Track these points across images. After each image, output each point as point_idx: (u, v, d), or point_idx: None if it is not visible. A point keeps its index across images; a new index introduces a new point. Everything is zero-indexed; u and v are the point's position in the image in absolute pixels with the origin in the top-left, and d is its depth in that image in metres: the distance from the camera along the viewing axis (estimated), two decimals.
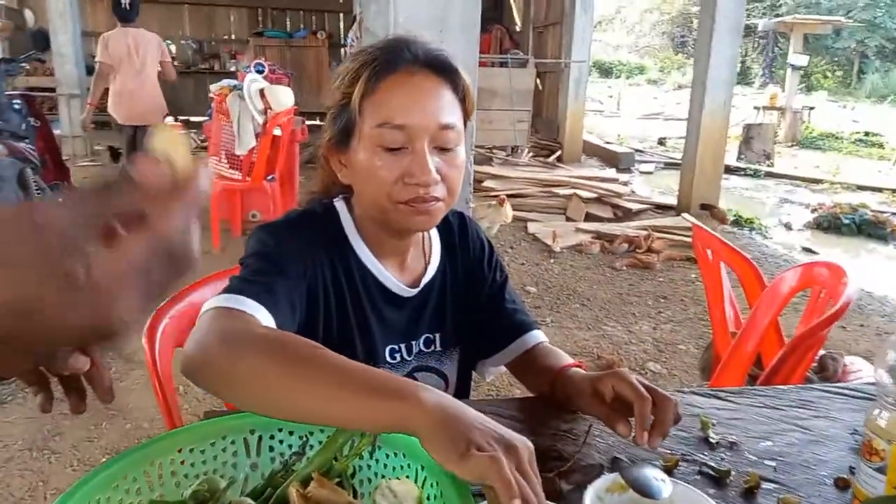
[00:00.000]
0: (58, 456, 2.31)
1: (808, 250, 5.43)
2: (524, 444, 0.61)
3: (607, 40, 30.02)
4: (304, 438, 0.74)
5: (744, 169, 9.01)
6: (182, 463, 0.69)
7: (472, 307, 1.13)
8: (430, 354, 1.09)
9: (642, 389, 0.86)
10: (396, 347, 1.06)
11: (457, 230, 1.14)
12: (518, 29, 10.91)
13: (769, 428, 0.96)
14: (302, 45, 11.06)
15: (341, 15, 11.80)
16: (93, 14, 11.37)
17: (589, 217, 5.75)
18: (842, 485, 0.83)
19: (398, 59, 0.92)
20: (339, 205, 1.05)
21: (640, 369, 3.12)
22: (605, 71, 26.78)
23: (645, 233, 5.04)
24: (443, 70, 0.94)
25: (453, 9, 2.06)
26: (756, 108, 12.14)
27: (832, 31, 14.76)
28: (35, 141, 4.30)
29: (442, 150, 0.93)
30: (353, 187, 1.00)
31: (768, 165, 9.34)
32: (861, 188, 8.04)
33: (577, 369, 1.01)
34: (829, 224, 5.99)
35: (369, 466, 0.74)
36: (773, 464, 0.87)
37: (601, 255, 4.84)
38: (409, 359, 1.07)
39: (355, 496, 0.72)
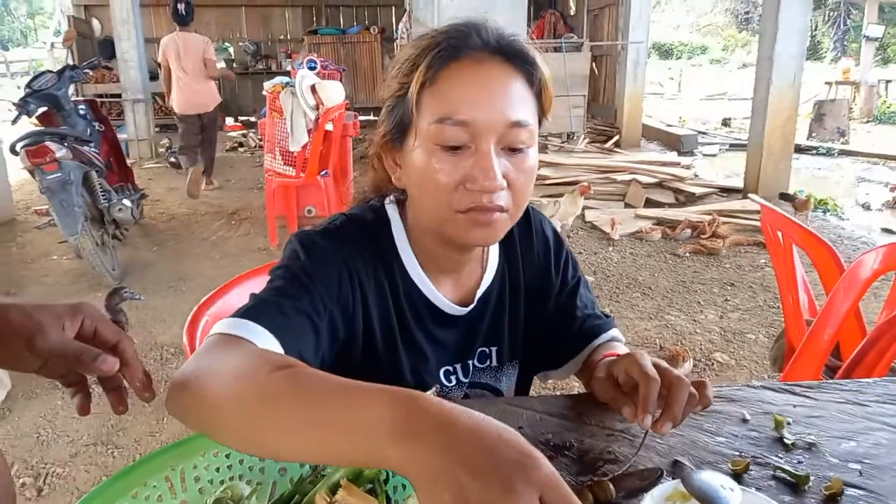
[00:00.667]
0: (121, 450, 2.36)
1: (888, 231, 5.10)
2: (536, 482, 0.45)
3: (666, 21, 29.14)
4: None
5: (816, 148, 8.58)
6: (206, 468, 0.66)
7: (537, 318, 1.02)
8: (485, 370, 1.00)
9: (650, 370, 0.77)
10: (451, 369, 0.97)
11: (517, 227, 0.97)
12: (572, 13, 10.68)
13: (852, 427, 0.86)
14: (355, 41, 11.14)
15: (393, 8, 11.82)
16: (156, 21, 11.74)
17: (649, 203, 5.56)
18: None
19: (464, 44, 0.80)
20: (392, 210, 0.94)
21: (706, 360, 2.98)
22: (665, 52, 26.04)
23: (709, 217, 4.83)
24: (517, 59, 0.81)
25: None
26: (828, 83, 11.54)
27: None
28: (100, 145, 4.44)
29: (511, 151, 0.80)
30: (408, 192, 0.88)
31: (843, 143, 8.86)
32: None
33: (609, 358, 0.92)
34: None
35: None
36: (858, 467, 0.78)
37: (663, 241, 4.67)
38: (465, 380, 0.98)
39: (388, 503, 0.67)
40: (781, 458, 0.80)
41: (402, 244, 0.92)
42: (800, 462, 0.79)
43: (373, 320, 0.90)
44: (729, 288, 3.83)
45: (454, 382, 0.97)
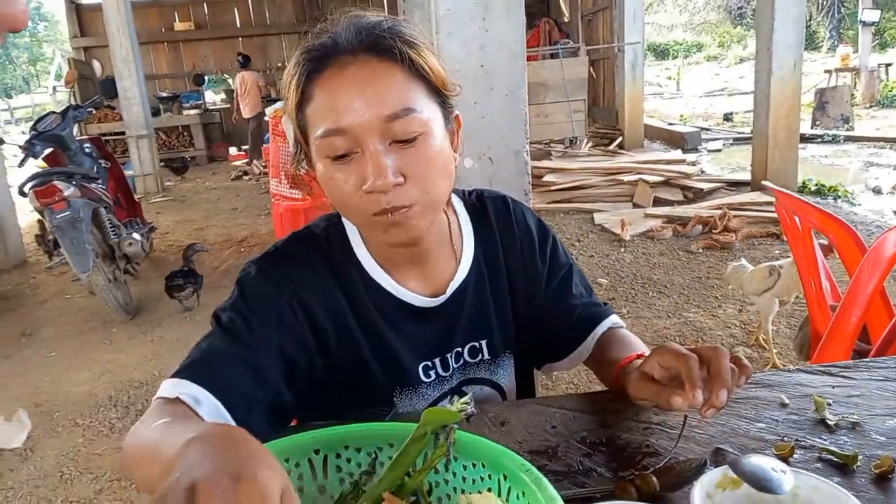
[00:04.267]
0: None
1: None
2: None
3: (660, 21, 29.21)
4: (374, 455, 0.68)
5: (821, 136, 8.53)
6: None
7: (528, 309, 1.00)
8: (479, 364, 0.98)
9: (684, 350, 0.75)
10: (430, 364, 0.95)
11: (495, 216, 0.98)
12: (566, 19, 10.72)
13: (895, 404, 0.84)
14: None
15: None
16: (155, 58, 11.90)
17: (658, 202, 5.54)
18: None
19: (325, 54, 0.80)
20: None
21: None
22: (661, 53, 26.07)
23: (720, 212, 4.80)
24: (382, 49, 0.79)
25: None
26: (827, 71, 11.51)
27: None
28: (107, 181, 4.47)
29: (402, 143, 0.78)
30: (334, 206, 0.87)
31: (847, 129, 8.81)
32: None
33: (638, 360, 0.87)
34: None
35: (447, 481, 0.66)
36: None
37: (674, 239, 4.64)
38: (445, 374, 0.95)
39: None
40: (826, 439, 0.78)
41: (357, 245, 0.92)
42: (845, 442, 0.77)
43: (325, 332, 0.89)
44: None
45: (433, 378, 0.95)
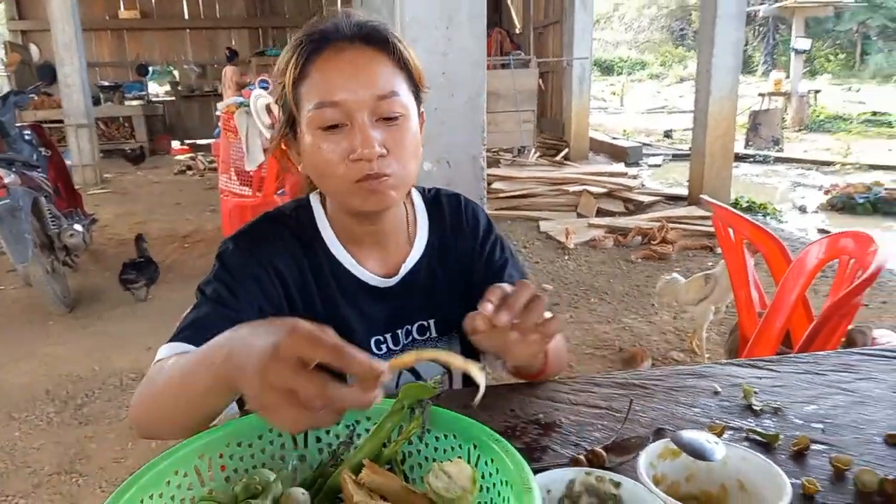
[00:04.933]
0: (86, 478, 2.31)
1: (823, 232, 5.38)
2: (283, 351, 0.56)
3: (606, 38, 29.98)
4: (352, 427, 0.74)
5: (753, 156, 8.97)
6: (231, 458, 0.69)
7: (467, 293, 1.06)
8: (427, 342, 1.06)
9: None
10: (381, 339, 1.03)
11: (448, 209, 1.09)
12: (518, 31, 10.93)
13: (812, 392, 0.95)
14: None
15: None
16: (97, 46, 11.52)
17: (600, 212, 5.73)
18: (892, 442, 0.82)
19: (324, 37, 0.90)
20: (314, 199, 1.03)
21: (663, 359, 3.10)
22: (606, 69, 26.75)
23: (658, 224, 5.02)
24: (376, 41, 0.91)
25: (461, 5, 2.06)
26: (761, 94, 12.08)
27: (833, 13, 14.66)
28: (47, 170, 4.33)
29: (387, 121, 0.89)
30: (311, 176, 0.97)
31: (777, 151, 9.29)
32: (873, 167, 7.97)
33: None
34: (844, 204, 5.95)
35: (419, 451, 0.73)
36: (821, 426, 0.86)
37: (615, 249, 4.82)
38: (395, 349, 1.04)
39: (406, 482, 0.71)
40: (752, 422, 0.88)
41: (323, 227, 1.01)
42: (769, 425, 0.87)
43: (294, 301, 0.98)
44: None
45: (384, 351, 1.03)
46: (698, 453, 0.68)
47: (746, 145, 9.58)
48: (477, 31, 2.08)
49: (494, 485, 0.64)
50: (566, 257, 4.67)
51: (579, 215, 5.72)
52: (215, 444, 0.68)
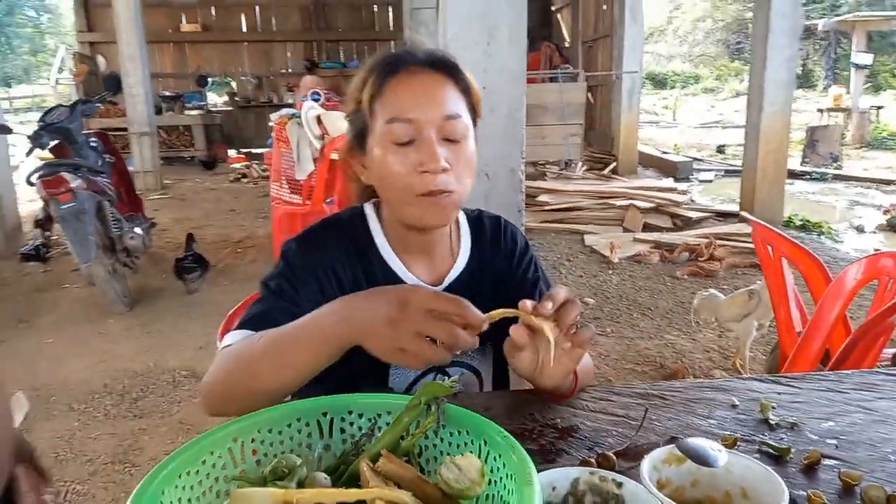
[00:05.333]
0: (138, 468, 2.43)
1: None
2: (415, 305, 0.75)
3: (660, 51, 29.60)
4: (373, 420, 0.79)
5: (809, 173, 8.73)
6: (262, 443, 0.75)
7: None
8: (463, 351, 1.11)
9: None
10: None
11: (489, 229, 1.17)
12: (567, 45, 10.93)
13: (831, 410, 0.95)
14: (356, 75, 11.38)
15: (392, 43, 12.09)
16: (160, 57, 12.01)
17: (647, 227, 5.68)
18: None
19: (400, 61, 1.00)
20: (368, 209, 1.12)
21: (705, 377, 3.06)
22: (659, 82, 26.41)
23: (706, 241, 4.95)
24: (444, 68, 1.00)
25: (501, 23, 2.11)
26: (819, 110, 11.76)
27: None
28: (111, 176, 4.55)
29: (450, 141, 0.98)
30: (375, 186, 1.05)
31: (836, 168, 9.01)
32: None
33: None
34: None
35: (435, 445, 0.77)
36: (835, 442, 0.87)
37: (661, 264, 4.77)
38: None
39: (422, 474, 0.76)
40: (766, 435, 0.89)
41: (377, 234, 1.09)
42: (782, 439, 0.88)
43: None
44: None
45: None
46: (702, 459, 0.71)
47: (803, 162, 9.33)
48: (516, 48, 2.13)
49: (501, 479, 0.68)
50: (610, 271, 4.65)
51: (625, 230, 5.68)
52: (248, 430, 0.74)
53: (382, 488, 0.67)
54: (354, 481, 0.73)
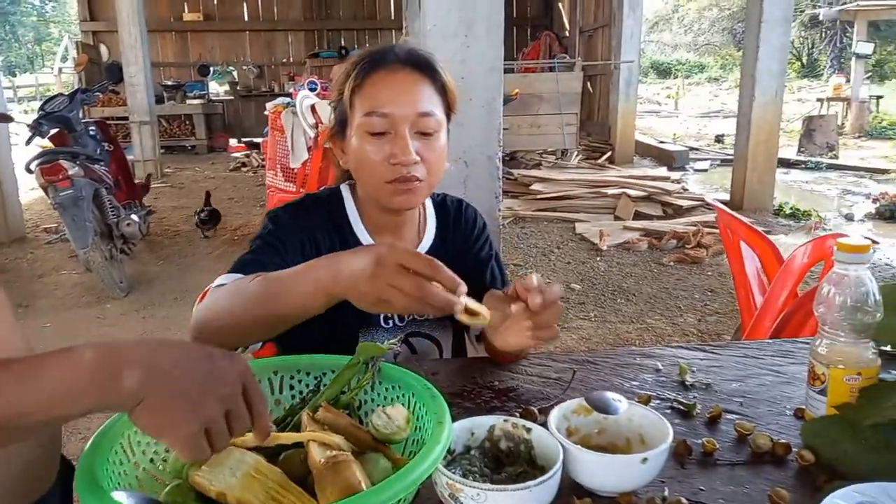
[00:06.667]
0: None
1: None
2: (389, 259, 0.79)
3: (665, 40, 29.50)
4: (318, 378, 0.89)
5: (805, 162, 8.77)
6: None
7: (462, 278, 1.21)
8: (424, 322, 1.21)
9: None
10: (389, 315, 1.17)
11: (452, 212, 1.27)
12: (567, 34, 10.96)
13: (743, 373, 1.04)
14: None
15: (393, 32, 12.13)
16: (162, 46, 12.08)
17: (639, 216, 5.75)
18: (800, 415, 0.91)
19: (382, 58, 1.08)
20: (345, 190, 1.21)
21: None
22: (664, 71, 26.33)
23: (694, 228, 5.02)
24: (422, 67, 1.09)
25: (478, 15, 2.19)
26: (819, 99, 11.77)
27: None
28: (109, 164, 4.65)
29: (423, 135, 1.07)
30: (351, 170, 1.15)
31: (831, 157, 9.05)
32: None
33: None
34: (892, 213, 5.80)
35: (373, 400, 0.87)
36: (740, 400, 0.96)
37: (649, 252, 4.85)
38: (401, 325, 1.18)
39: (361, 424, 0.85)
40: (680, 395, 0.98)
41: (352, 213, 1.19)
42: (695, 397, 0.97)
43: None
44: (709, 294, 4.00)
45: (391, 325, 1.18)
46: (604, 408, 0.80)
47: (800, 151, 9.37)
48: (494, 39, 2.21)
49: (424, 425, 0.77)
50: (598, 258, 4.73)
51: (617, 218, 5.76)
52: None
53: (316, 432, 0.77)
54: (298, 430, 0.83)
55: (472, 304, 0.84)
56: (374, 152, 1.06)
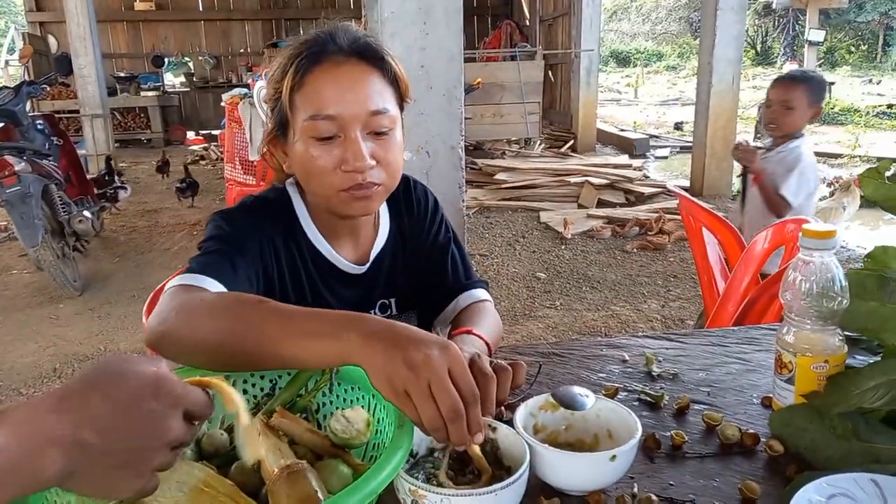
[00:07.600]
0: None
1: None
2: (451, 355, 0.64)
3: (623, 29, 29.79)
4: (274, 381, 0.84)
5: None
6: None
7: (418, 267, 1.16)
8: (389, 318, 1.15)
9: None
10: (374, 311, 1.13)
11: (401, 195, 1.15)
12: (528, 23, 10.95)
13: (710, 362, 1.03)
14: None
15: (353, 21, 11.97)
16: (113, 36, 11.71)
17: (601, 204, 5.78)
18: (767, 403, 0.90)
19: (323, 50, 0.95)
20: (292, 189, 1.08)
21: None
22: (623, 60, 26.60)
23: (656, 215, 5.07)
24: (370, 57, 0.96)
25: (436, 3, 2.15)
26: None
27: (854, 4, 14.48)
28: (59, 159, 4.49)
29: (377, 135, 0.95)
30: (297, 178, 1.03)
31: None
32: (881, 160, 7.91)
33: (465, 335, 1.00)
34: None
35: (331, 402, 0.83)
36: (707, 389, 0.95)
37: (612, 239, 4.88)
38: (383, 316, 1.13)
39: (319, 429, 0.81)
40: (647, 385, 0.97)
41: (303, 217, 1.07)
42: (662, 388, 0.96)
43: (282, 276, 1.05)
44: (672, 280, 4.04)
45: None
46: (570, 405, 0.78)
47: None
48: (453, 27, 2.17)
49: (385, 428, 0.74)
50: (563, 247, 4.74)
51: (580, 206, 5.78)
52: None
53: (269, 437, 0.72)
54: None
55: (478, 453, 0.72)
56: (322, 159, 0.94)
